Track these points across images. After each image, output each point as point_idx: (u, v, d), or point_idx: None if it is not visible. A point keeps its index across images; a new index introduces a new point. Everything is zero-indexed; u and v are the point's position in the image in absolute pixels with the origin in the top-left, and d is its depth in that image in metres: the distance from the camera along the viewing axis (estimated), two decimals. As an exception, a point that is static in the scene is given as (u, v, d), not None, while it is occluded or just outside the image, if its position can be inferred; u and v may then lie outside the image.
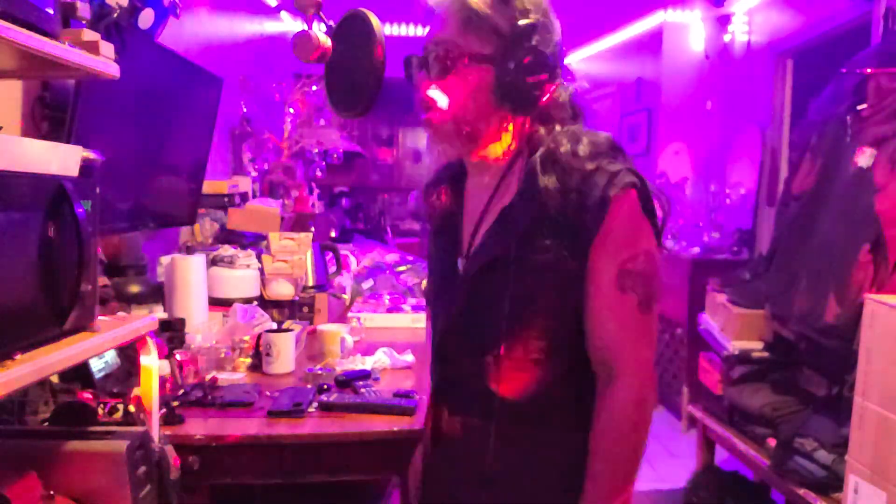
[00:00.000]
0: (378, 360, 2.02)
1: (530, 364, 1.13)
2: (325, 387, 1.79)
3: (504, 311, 1.12)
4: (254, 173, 3.61)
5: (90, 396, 1.42)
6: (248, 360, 2.02)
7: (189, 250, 2.24)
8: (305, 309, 2.58)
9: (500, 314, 1.12)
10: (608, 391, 1.10)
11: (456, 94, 1.13)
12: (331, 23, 1.36)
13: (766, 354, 2.69)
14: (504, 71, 1.10)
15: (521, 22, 1.10)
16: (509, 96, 1.11)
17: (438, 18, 1.14)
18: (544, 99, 1.12)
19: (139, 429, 1.29)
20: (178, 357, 1.79)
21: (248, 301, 2.36)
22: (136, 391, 1.37)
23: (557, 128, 1.12)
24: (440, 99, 1.14)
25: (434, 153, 1.23)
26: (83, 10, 1.15)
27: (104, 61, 1.18)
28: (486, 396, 1.15)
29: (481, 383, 1.15)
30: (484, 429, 1.15)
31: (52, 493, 1.15)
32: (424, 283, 3.31)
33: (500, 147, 1.17)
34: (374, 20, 1.30)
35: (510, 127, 1.15)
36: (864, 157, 2.16)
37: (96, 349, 1.12)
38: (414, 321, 2.68)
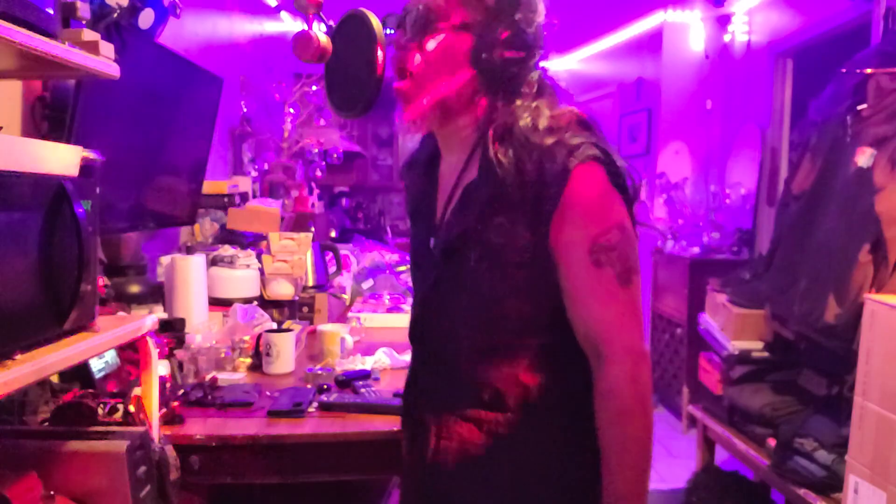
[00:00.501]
0: (378, 360, 2.02)
1: (501, 347, 1.09)
2: (325, 387, 1.79)
3: (470, 292, 1.09)
4: (254, 173, 3.61)
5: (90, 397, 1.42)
6: (248, 360, 2.02)
7: (189, 250, 2.24)
8: (305, 309, 2.58)
9: (465, 295, 1.10)
10: (601, 374, 1.04)
11: (432, 60, 1.10)
12: (331, 23, 1.36)
13: (766, 354, 2.69)
14: (484, 42, 1.07)
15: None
16: (486, 69, 1.08)
17: None
18: (522, 76, 1.09)
19: (139, 429, 1.29)
20: (178, 357, 1.79)
21: (248, 301, 2.36)
22: (136, 391, 1.37)
23: (518, 102, 1.08)
24: (417, 63, 1.10)
25: (404, 131, 1.18)
26: (83, 10, 1.15)
27: (104, 61, 1.18)
28: (456, 380, 1.12)
29: (452, 366, 1.13)
30: (455, 413, 1.12)
31: (52, 493, 1.15)
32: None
33: (469, 123, 1.13)
34: (374, 20, 1.30)
35: (482, 101, 1.11)
36: (864, 157, 2.16)
37: (96, 349, 1.12)
38: (414, 321, 2.68)
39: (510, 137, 1.05)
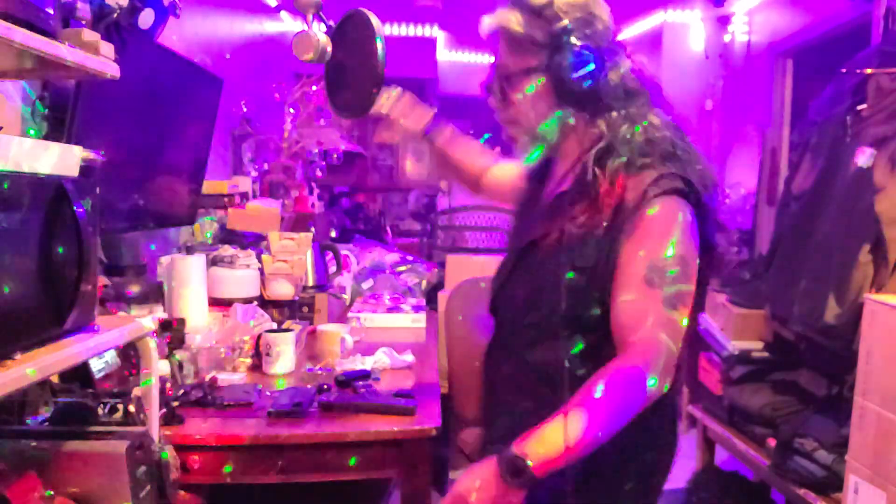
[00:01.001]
0: (378, 360, 2.02)
1: (555, 335, 1.18)
2: (325, 387, 1.79)
3: (530, 286, 1.23)
4: (254, 173, 3.61)
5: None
6: (248, 360, 2.02)
7: (189, 250, 2.24)
8: (305, 309, 2.58)
9: (528, 288, 1.24)
10: (616, 359, 1.10)
11: (521, 108, 1.24)
12: (331, 23, 1.36)
13: (766, 354, 2.69)
14: (554, 74, 1.19)
15: (556, 27, 1.19)
16: (566, 95, 1.20)
17: (490, 46, 1.28)
18: (605, 85, 1.19)
19: (139, 429, 1.29)
20: (178, 357, 1.79)
21: (248, 301, 2.36)
22: (136, 391, 1.37)
23: (614, 115, 1.19)
24: (512, 114, 1.26)
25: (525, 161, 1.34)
26: (83, 10, 1.15)
27: (104, 61, 1.18)
28: (515, 361, 1.26)
29: (516, 346, 1.25)
30: (516, 392, 1.25)
31: (52, 493, 1.15)
32: (425, 282, 3.31)
33: (570, 138, 1.25)
34: (374, 20, 1.31)
35: (575, 122, 1.23)
36: (864, 157, 2.16)
37: (96, 349, 1.12)
38: (414, 321, 2.68)
39: (606, 158, 1.17)
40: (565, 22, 1.19)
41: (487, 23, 1.26)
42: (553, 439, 1.04)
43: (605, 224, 1.14)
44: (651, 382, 1.07)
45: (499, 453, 1.06)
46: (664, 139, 1.18)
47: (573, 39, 1.18)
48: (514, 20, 1.21)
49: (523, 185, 1.43)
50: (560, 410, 1.06)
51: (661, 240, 1.11)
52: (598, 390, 1.06)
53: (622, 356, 1.10)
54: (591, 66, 1.18)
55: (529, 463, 1.03)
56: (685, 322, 1.12)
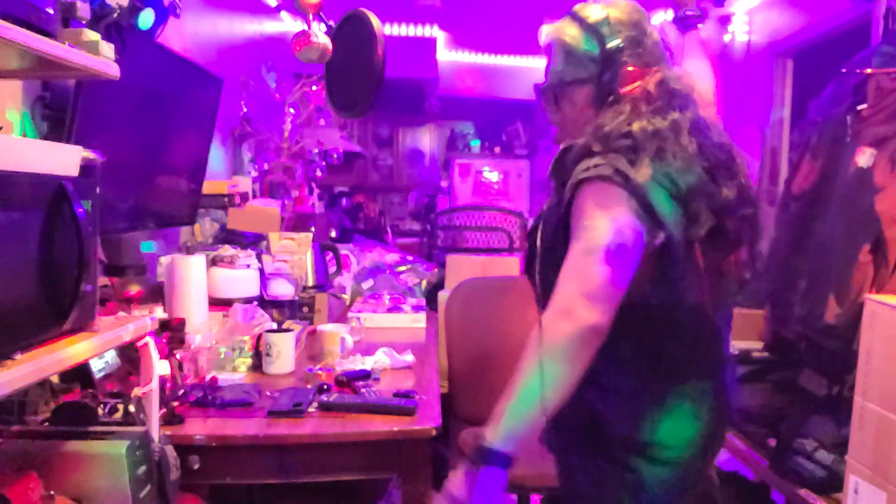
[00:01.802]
0: (378, 360, 2.02)
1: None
2: (325, 387, 1.79)
3: (535, 266, 1.32)
4: (254, 173, 3.61)
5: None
6: (248, 360, 2.02)
7: (189, 250, 2.24)
8: (305, 309, 2.58)
9: (534, 268, 1.33)
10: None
11: (569, 116, 1.33)
12: (331, 23, 1.36)
13: (766, 354, 2.69)
14: (601, 88, 1.27)
15: (609, 45, 1.26)
16: (609, 105, 1.26)
17: (546, 55, 1.35)
18: (625, 90, 1.25)
19: (139, 429, 1.29)
20: (178, 357, 1.79)
21: (248, 301, 2.36)
22: (136, 391, 1.37)
23: (622, 111, 1.25)
24: (560, 121, 1.35)
25: None
26: (83, 10, 1.15)
27: (104, 61, 1.18)
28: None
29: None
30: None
31: (52, 493, 1.15)
32: (425, 283, 3.31)
33: None
34: (374, 20, 1.31)
35: None
36: (864, 157, 2.16)
37: (96, 349, 1.12)
38: (414, 321, 2.69)
39: (568, 153, 1.26)
40: (618, 41, 1.26)
41: (546, 32, 1.34)
42: (499, 410, 1.11)
43: (560, 212, 1.23)
44: (564, 325, 1.12)
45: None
46: (646, 132, 1.20)
47: (624, 58, 1.26)
48: (570, 34, 1.29)
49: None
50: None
51: (585, 213, 1.17)
52: (526, 355, 1.14)
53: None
54: (637, 80, 1.24)
55: (487, 443, 1.10)
56: (608, 270, 1.13)
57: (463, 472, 1.12)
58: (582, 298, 1.13)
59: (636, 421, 1.27)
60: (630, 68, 1.26)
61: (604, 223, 1.16)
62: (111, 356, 1.65)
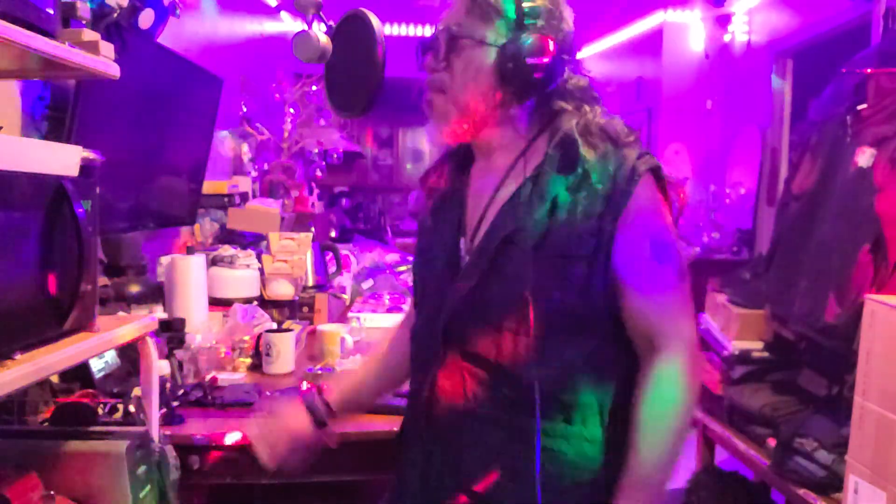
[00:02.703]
0: (378, 360, 2.02)
1: (549, 345, 1.08)
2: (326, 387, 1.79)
3: (521, 286, 1.07)
4: (254, 173, 3.61)
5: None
6: (248, 360, 2.02)
7: (189, 250, 2.24)
8: (305, 309, 2.58)
9: (517, 289, 1.07)
10: (654, 361, 1.07)
11: (460, 77, 1.13)
12: (331, 23, 1.36)
13: (766, 354, 2.69)
14: (506, 53, 1.10)
15: (526, 5, 1.11)
16: (510, 78, 1.10)
17: (450, 3, 1.16)
18: (558, 81, 1.12)
19: (139, 429, 1.29)
20: (178, 357, 1.79)
21: (248, 301, 2.36)
22: (136, 391, 1.37)
23: (586, 107, 1.13)
24: (447, 81, 1.14)
25: (439, 143, 1.22)
26: (83, 10, 1.15)
27: (104, 61, 1.18)
28: (502, 379, 1.09)
29: (497, 367, 1.09)
30: (490, 412, 1.10)
31: (52, 493, 1.15)
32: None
33: (505, 130, 1.16)
34: (374, 20, 1.30)
35: (514, 110, 1.14)
36: (864, 157, 2.16)
37: (96, 349, 1.12)
38: (414, 321, 2.68)
39: (590, 135, 1.10)
40: (537, 4, 1.12)
41: None
42: (642, 478, 1.05)
43: (597, 205, 1.07)
44: (695, 374, 1.08)
45: None
46: (633, 130, 1.14)
47: (539, 23, 1.11)
48: None
49: (432, 179, 1.30)
50: (632, 444, 1.05)
51: (655, 213, 1.09)
52: (663, 404, 1.06)
53: (665, 357, 1.06)
54: (547, 58, 1.09)
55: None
56: (689, 288, 1.12)
57: None
58: (696, 328, 1.09)
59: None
60: (546, 41, 1.09)
61: (677, 239, 1.11)
62: (111, 356, 1.65)
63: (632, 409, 1.08)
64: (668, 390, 1.06)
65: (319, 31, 1.33)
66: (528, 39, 1.08)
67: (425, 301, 1.24)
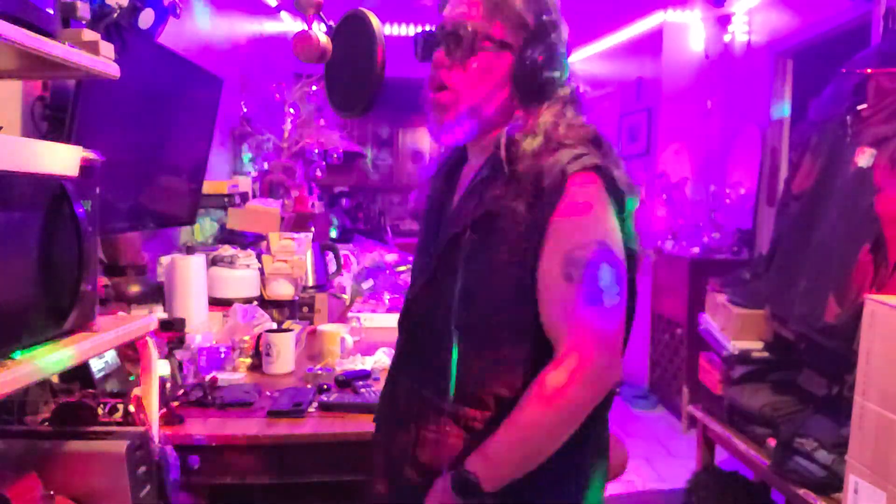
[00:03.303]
0: (378, 360, 2.02)
1: (486, 342, 1.10)
2: (325, 387, 1.79)
3: (463, 283, 1.09)
4: (254, 173, 3.61)
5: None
6: (248, 360, 2.02)
7: (189, 250, 2.24)
8: (305, 309, 2.58)
9: (459, 285, 1.10)
10: (550, 363, 1.05)
11: (474, 77, 1.13)
12: (331, 23, 1.36)
13: (766, 354, 2.69)
14: (524, 61, 1.11)
15: (546, 17, 1.13)
16: (524, 87, 1.12)
17: (463, 1, 1.15)
18: (557, 94, 1.13)
19: (139, 429, 1.29)
20: (178, 357, 1.79)
21: (248, 301, 2.36)
22: (136, 391, 1.37)
23: (544, 110, 1.12)
24: (458, 80, 1.14)
25: (440, 142, 1.22)
26: (83, 10, 1.15)
27: (104, 61, 1.18)
28: (442, 372, 1.11)
29: (439, 359, 1.12)
30: (437, 408, 1.13)
31: (52, 493, 1.15)
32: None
33: (496, 134, 1.17)
34: (374, 20, 1.30)
35: (517, 115, 1.15)
36: (864, 157, 2.16)
37: (96, 349, 1.12)
38: (414, 321, 2.68)
39: (522, 140, 1.09)
40: (554, 17, 1.14)
41: None
42: (499, 456, 1.06)
43: (527, 212, 1.06)
44: (583, 393, 1.03)
45: (453, 472, 1.07)
46: (589, 132, 1.12)
47: (553, 37, 1.13)
48: None
49: (432, 183, 1.32)
50: (504, 426, 1.05)
51: (579, 224, 1.04)
52: (536, 404, 1.03)
53: (556, 360, 1.04)
54: (559, 70, 1.13)
55: (482, 485, 1.05)
56: (616, 309, 1.04)
57: (441, 496, 1.08)
58: (611, 350, 1.04)
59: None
60: (562, 55, 1.12)
61: (607, 251, 1.04)
62: (111, 356, 1.64)
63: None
64: (543, 396, 1.03)
65: (319, 31, 1.33)
66: (548, 51, 1.12)
67: (409, 293, 1.30)
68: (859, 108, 2.26)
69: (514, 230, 1.07)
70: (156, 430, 1.33)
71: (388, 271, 3.47)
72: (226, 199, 2.93)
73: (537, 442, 1.06)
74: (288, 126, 3.72)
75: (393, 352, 2.04)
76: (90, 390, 1.49)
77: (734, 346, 2.72)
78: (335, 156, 3.94)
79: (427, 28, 1.21)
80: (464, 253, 1.10)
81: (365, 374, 1.87)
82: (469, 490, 1.05)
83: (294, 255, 2.52)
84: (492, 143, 1.15)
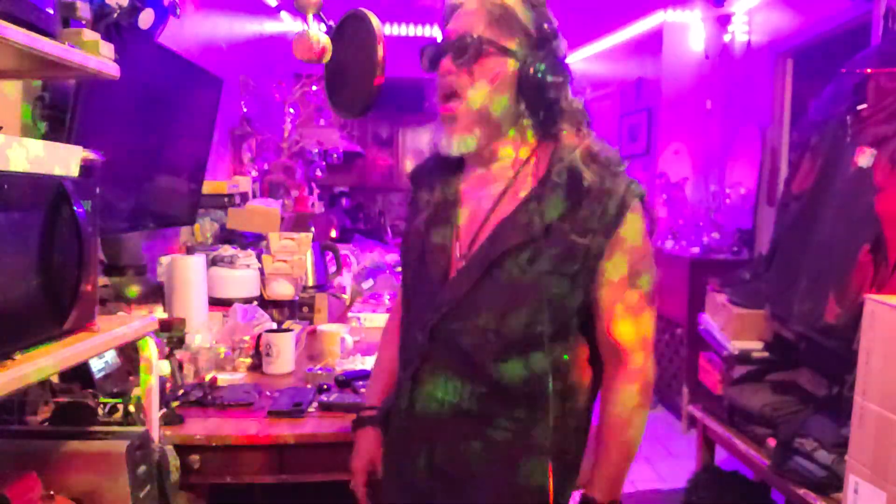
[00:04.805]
0: (378, 360, 2.02)
1: (530, 348, 1.16)
2: (325, 387, 1.79)
3: (511, 296, 1.15)
4: (254, 173, 3.61)
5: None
6: (248, 360, 2.02)
7: (189, 250, 2.24)
8: (305, 309, 2.58)
9: (506, 298, 1.15)
10: (620, 374, 1.19)
11: (480, 81, 1.17)
12: (331, 23, 1.36)
13: (766, 354, 2.69)
14: (527, 68, 1.16)
15: (547, 26, 1.18)
16: (529, 93, 1.17)
17: (467, 14, 1.19)
18: (564, 101, 1.19)
19: (139, 429, 1.29)
20: (178, 357, 1.79)
21: (248, 301, 2.36)
22: (136, 391, 1.37)
23: (584, 131, 1.21)
24: (467, 88, 1.17)
25: (451, 150, 1.23)
26: (83, 10, 1.15)
27: (104, 61, 1.18)
28: (482, 376, 1.17)
29: (478, 364, 1.17)
30: (474, 410, 1.18)
31: (52, 493, 1.15)
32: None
33: (511, 142, 1.21)
34: (374, 20, 1.31)
35: (524, 123, 1.20)
36: (864, 157, 2.16)
37: (96, 349, 1.12)
38: (414, 321, 2.68)
39: (592, 162, 1.17)
40: (553, 25, 1.20)
41: None
42: (616, 474, 1.20)
43: (590, 230, 1.15)
44: (651, 387, 1.21)
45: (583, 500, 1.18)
46: (619, 156, 1.22)
47: (555, 45, 1.19)
48: None
49: (424, 183, 1.34)
50: (611, 444, 1.19)
51: (637, 242, 1.18)
52: (635, 416, 1.19)
53: (630, 368, 1.19)
54: (561, 76, 1.18)
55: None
56: (656, 308, 1.24)
57: None
58: (652, 350, 1.22)
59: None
60: (563, 62, 1.19)
61: (654, 265, 1.22)
62: (111, 356, 1.64)
63: (601, 413, 1.21)
64: (629, 401, 1.19)
65: (319, 31, 1.33)
66: (550, 58, 1.17)
67: (416, 300, 1.29)
68: (859, 108, 2.26)
69: (578, 246, 1.14)
70: (156, 430, 1.33)
71: (388, 271, 3.48)
72: (226, 199, 2.93)
73: (634, 450, 1.21)
74: (288, 126, 3.72)
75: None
76: (90, 390, 1.49)
77: (734, 346, 2.72)
78: (335, 156, 3.94)
79: (432, 36, 1.23)
80: (512, 268, 1.15)
81: (365, 374, 1.87)
82: None
83: (294, 255, 2.52)
84: (509, 157, 1.22)
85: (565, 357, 1.19)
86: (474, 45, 1.16)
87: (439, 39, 1.23)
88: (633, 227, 1.17)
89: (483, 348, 1.16)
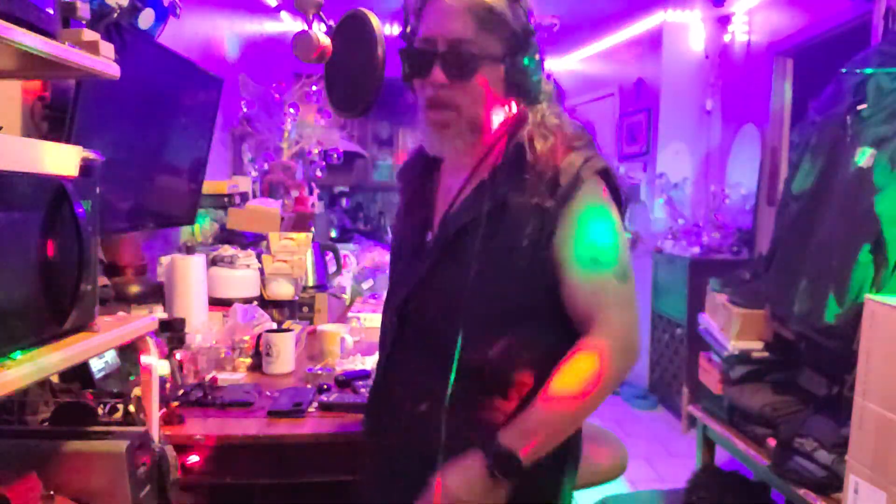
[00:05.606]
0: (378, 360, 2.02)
1: (496, 327, 1.16)
2: (325, 387, 1.79)
3: (474, 272, 1.14)
4: (254, 173, 3.61)
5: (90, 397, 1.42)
6: (248, 360, 2.02)
7: (189, 250, 2.24)
8: (305, 309, 2.58)
9: (467, 275, 1.14)
10: (580, 345, 1.13)
11: (477, 95, 1.18)
12: (331, 23, 1.36)
13: (766, 354, 2.69)
14: (515, 68, 1.17)
15: (527, 21, 1.17)
16: (518, 92, 1.19)
17: (451, 14, 1.15)
18: (539, 85, 1.20)
19: (139, 429, 1.29)
20: (178, 357, 1.79)
21: (248, 301, 2.36)
22: (136, 391, 1.37)
23: (543, 105, 1.20)
24: (460, 98, 1.17)
25: (438, 155, 1.27)
26: (83, 10, 1.15)
27: (104, 61, 1.18)
28: (449, 358, 1.14)
29: (444, 346, 1.15)
30: (442, 395, 1.14)
31: (52, 493, 1.15)
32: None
33: (490, 132, 1.23)
34: (374, 20, 1.30)
35: (504, 111, 1.22)
36: (865, 157, 2.16)
37: (96, 349, 1.12)
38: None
39: (543, 138, 1.16)
40: (532, 20, 1.19)
41: None
42: (536, 429, 1.11)
43: (541, 204, 1.13)
44: (616, 367, 1.12)
45: (484, 447, 1.09)
46: (585, 132, 1.22)
47: (534, 39, 1.18)
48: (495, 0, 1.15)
49: (405, 179, 1.38)
50: (539, 400, 1.11)
51: (598, 217, 1.15)
52: (571, 376, 1.11)
53: (589, 338, 1.13)
54: (543, 69, 1.19)
55: (520, 458, 1.08)
56: (634, 293, 1.17)
57: (472, 474, 1.09)
58: (636, 332, 1.15)
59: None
60: (540, 56, 1.19)
61: (621, 235, 1.16)
62: (111, 356, 1.64)
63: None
64: (577, 371, 1.11)
65: (319, 31, 1.33)
66: (533, 54, 1.17)
67: (393, 288, 1.34)
68: (859, 108, 2.26)
69: (530, 220, 1.13)
70: (156, 430, 1.33)
71: (387, 271, 3.46)
72: (226, 199, 2.93)
73: (573, 415, 1.13)
74: (288, 126, 3.72)
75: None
76: (90, 390, 1.49)
77: (734, 346, 2.72)
78: (335, 156, 3.93)
79: (409, 42, 1.22)
80: (472, 245, 1.14)
81: (365, 374, 1.87)
82: (508, 464, 1.08)
83: (294, 255, 2.52)
84: (479, 142, 1.21)
85: (536, 337, 1.16)
86: (469, 59, 1.14)
87: (408, 33, 1.22)
88: (588, 199, 1.14)
89: (446, 330, 1.15)
